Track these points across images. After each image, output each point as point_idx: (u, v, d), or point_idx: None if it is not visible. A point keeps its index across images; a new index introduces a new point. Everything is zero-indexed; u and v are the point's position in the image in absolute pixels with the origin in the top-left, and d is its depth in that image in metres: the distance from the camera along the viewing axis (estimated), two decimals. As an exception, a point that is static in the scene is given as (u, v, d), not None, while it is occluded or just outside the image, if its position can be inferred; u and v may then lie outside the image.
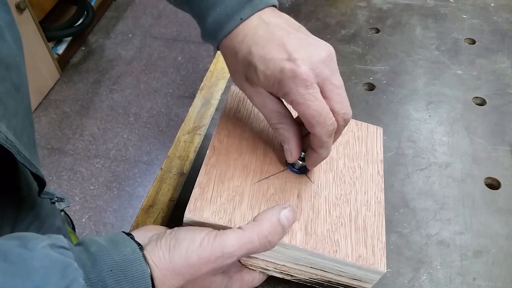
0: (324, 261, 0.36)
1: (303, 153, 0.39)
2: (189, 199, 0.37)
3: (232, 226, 0.35)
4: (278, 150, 0.42)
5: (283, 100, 0.36)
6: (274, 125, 0.37)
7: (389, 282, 0.41)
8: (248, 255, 0.33)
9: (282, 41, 0.34)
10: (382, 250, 0.36)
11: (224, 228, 0.34)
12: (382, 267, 0.35)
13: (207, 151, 0.40)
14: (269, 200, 0.38)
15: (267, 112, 0.37)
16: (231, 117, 0.44)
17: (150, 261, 0.30)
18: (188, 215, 0.36)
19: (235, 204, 0.37)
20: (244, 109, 0.45)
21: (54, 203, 0.49)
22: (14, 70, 0.39)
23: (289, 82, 0.33)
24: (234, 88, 0.46)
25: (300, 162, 0.40)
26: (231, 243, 0.32)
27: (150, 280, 0.29)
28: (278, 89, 0.34)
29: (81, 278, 0.27)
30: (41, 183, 0.41)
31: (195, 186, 0.37)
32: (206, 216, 0.36)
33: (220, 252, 0.31)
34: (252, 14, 0.35)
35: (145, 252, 0.31)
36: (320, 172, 0.41)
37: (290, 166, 0.41)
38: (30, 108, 0.44)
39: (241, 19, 0.35)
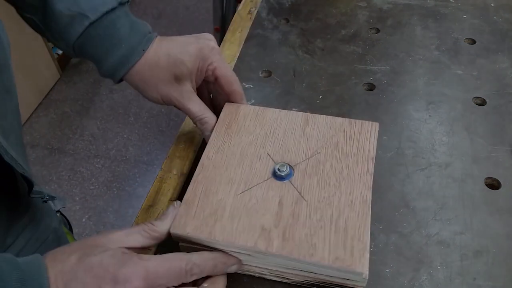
0: (304, 265, 0.36)
1: (285, 165, 0.41)
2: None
3: (212, 239, 0.37)
4: (263, 161, 0.43)
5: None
6: (201, 118, 0.46)
7: (389, 282, 0.41)
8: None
9: (185, 37, 0.47)
10: (362, 250, 0.35)
11: (207, 243, 0.38)
12: (361, 267, 0.35)
13: (196, 169, 0.43)
14: (250, 210, 0.39)
15: (194, 106, 0.46)
16: (222, 134, 0.46)
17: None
18: (173, 230, 0.38)
19: (216, 217, 0.38)
20: (235, 124, 0.46)
21: (45, 201, 0.48)
22: (4, 71, 0.39)
23: (210, 53, 0.45)
24: (227, 105, 0.48)
25: (283, 171, 0.41)
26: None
27: None
28: (203, 64, 0.45)
29: None
30: (29, 183, 0.41)
31: (181, 203, 0.40)
32: (189, 231, 0.38)
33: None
34: (151, 44, 0.45)
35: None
36: (305, 177, 0.41)
37: (274, 175, 0.41)
38: (18, 108, 0.44)
39: (143, 50, 0.45)
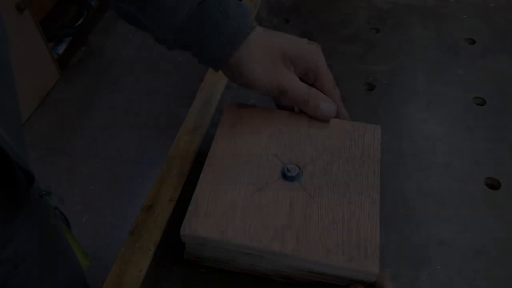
0: (318, 266, 0.36)
1: (294, 166, 0.41)
2: (188, 205, 0.39)
3: (224, 239, 0.36)
4: (271, 161, 0.42)
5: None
6: (306, 92, 0.44)
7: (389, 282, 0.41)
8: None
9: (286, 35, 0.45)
10: (375, 251, 0.36)
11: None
12: (374, 268, 0.35)
13: (202, 170, 0.42)
14: (262, 211, 0.38)
15: (297, 85, 0.44)
16: (225, 135, 0.45)
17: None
18: (183, 232, 0.37)
19: (228, 218, 0.38)
20: (239, 125, 0.45)
21: (42, 196, 0.49)
22: (4, 67, 0.39)
23: (315, 52, 0.45)
24: (228, 105, 0.47)
25: (292, 171, 0.40)
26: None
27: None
28: (309, 60, 0.45)
29: None
30: (30, 178, 0.41)
31: (190, 204, 0.39)
32: (200, 232, 0.37)
33: None
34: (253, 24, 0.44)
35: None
36: (313, 178, 0.41)
37: (283, 176, 0.41)
38: (18, 105, 0.44)
39: (252, 26, 0.43)
